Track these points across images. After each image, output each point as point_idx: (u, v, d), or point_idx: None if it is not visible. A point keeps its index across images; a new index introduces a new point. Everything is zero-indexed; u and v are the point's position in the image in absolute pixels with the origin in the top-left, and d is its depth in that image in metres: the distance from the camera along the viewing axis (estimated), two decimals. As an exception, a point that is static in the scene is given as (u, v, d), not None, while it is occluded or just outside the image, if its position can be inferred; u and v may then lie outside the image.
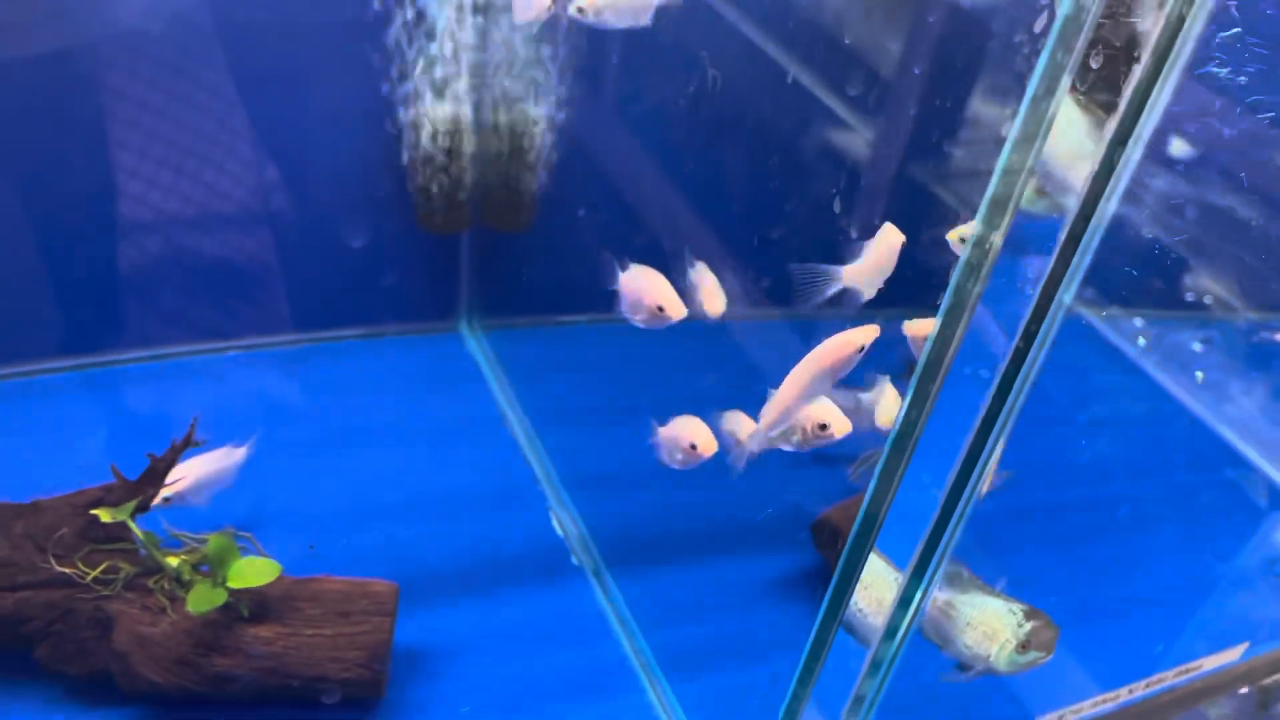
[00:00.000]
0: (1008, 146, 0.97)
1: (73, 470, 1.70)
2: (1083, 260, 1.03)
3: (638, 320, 1.34)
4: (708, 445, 1.32)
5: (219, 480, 1.53)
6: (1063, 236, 1.01)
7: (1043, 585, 1.79)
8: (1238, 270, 2.16)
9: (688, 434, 1.33)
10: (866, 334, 1.18)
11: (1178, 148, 1.82)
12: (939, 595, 1.42)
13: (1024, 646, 1.37)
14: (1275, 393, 2.36)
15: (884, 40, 1.59)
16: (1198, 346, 2.40)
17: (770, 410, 1.22)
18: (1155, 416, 2.41)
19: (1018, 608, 1.40)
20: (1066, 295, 1.06)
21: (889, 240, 1.21)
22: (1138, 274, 2.05)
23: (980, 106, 1.55)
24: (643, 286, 1.32)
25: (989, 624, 1.39)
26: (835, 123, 1.65)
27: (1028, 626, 1.38)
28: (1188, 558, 2.10)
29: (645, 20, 1.37)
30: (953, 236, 1.15)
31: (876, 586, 1.34)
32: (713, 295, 1.39)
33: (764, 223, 1.65)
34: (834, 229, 1.38)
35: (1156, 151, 1.84)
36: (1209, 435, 2.36)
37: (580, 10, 1.34)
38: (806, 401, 1.22)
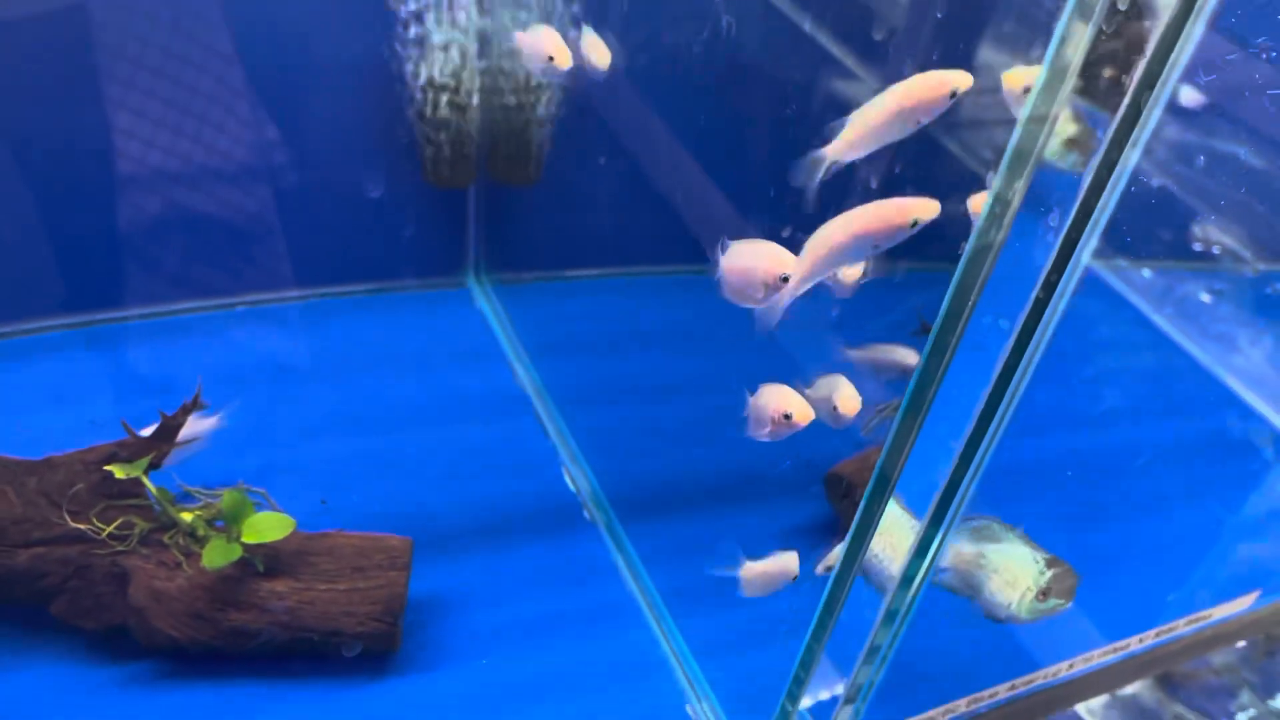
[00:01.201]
0: (1033, 96, 0.95)
1: (83, 427, 1.71)
2: (1105, 208, 1.01)
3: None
4: (803, 413, 1.26)
5: (188, 447, 1.52)
6: (1085, 185, 1.00)
7: (1056, 534, 1.80)
8: (1247, 220, 2.15)
9: (780, 403, 1.28)
10: (924, 208, 1.12)
11: (1187, 96, 1.80)
12: (969, 548, 1.43)
13: (1044, 594, 1.39)
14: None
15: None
16: (1206, 297, 2.39)
17: (805, 263, 1.16)
18: (1164, 367, 2.41)
19: (1041, 556, 1.42)
20: (1088, 247, 1.05)
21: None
22: (1147, 225, 2.04)
23: (993, 55, 1.53)
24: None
25: (1012, 571, 1.41)
26: (848, 74, 1.63)
27: (1049, 574, 1.39)
28: (1197, 508, 2.11)
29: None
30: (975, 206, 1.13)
31: (893, 532, 1.34)
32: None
33: (779, 173, 1.63)
34: (853, 179, 1.36)
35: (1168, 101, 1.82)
36: (1217, 386, 2.36)
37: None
38: (842, 262, 1.17)
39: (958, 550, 1.44)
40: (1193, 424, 2.27)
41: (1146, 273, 2.45)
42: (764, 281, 1.18)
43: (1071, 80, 0.93)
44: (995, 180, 0.99)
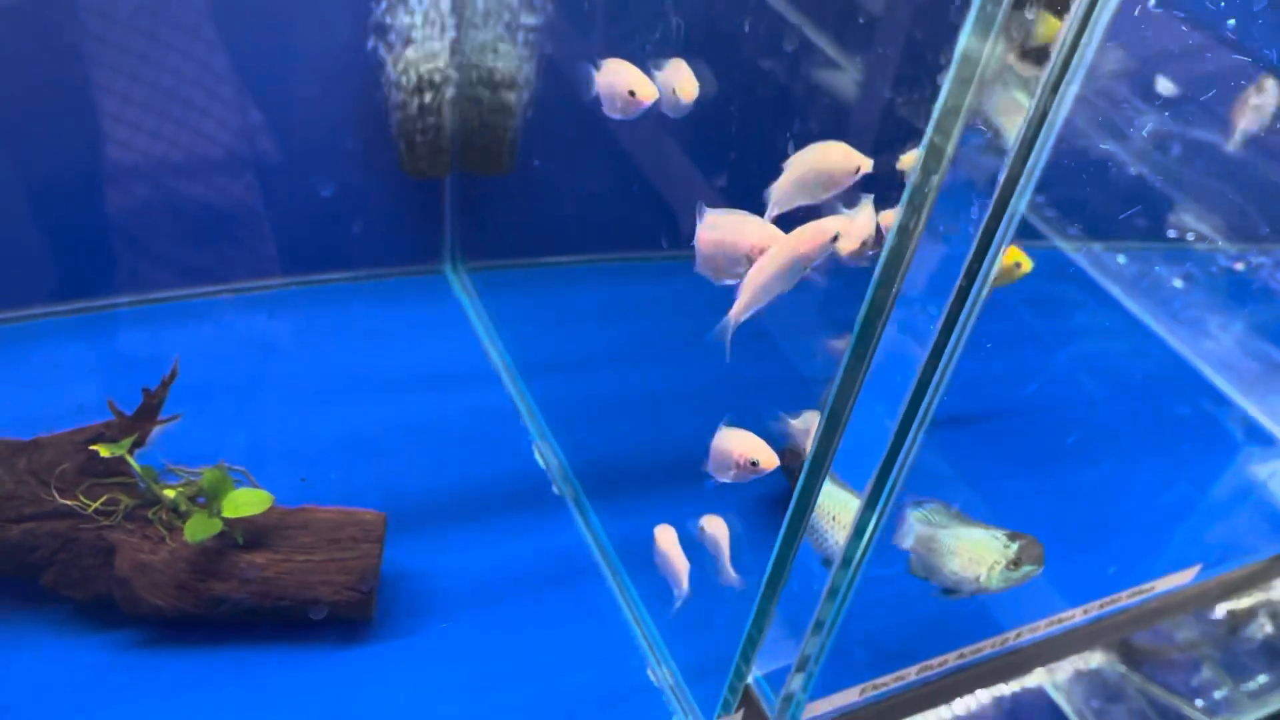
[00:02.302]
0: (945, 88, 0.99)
1: (70, 410, 1.75)
2: (1017, 209, 1.06)
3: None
4: (768, 460, 1.31)
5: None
6: (1002, 178, 1.05)
7: (1019, 510, 1.86)
8: (1218, 205, 2.19)
9: (746, 450, 1.33)
10: (838, 223, 1.16)
11: (1162, 86, 1.85)
12: (921, 532, 1.49)
13: (1015, 564, 1.46)
14: (1252, 327, 2.40)
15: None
16: (1178, 282, 2.44)
17: (742, 300, 1.20)
18: (1134, 350, 2.46)
19: (999, 533, 1.48)
20: (1008, 234, 1.10)
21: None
22: (1120, 209, 2.09)
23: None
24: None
25: (973, 550, 1.47)
26: (825, 58, 1.65)
27: (1014, 546, 1.46)
28: (1158, 485, 2.17)
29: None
30: (905, 163, 1.17)
31: (839, 511, 1.40)
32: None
33: (750, 159, 1.67)
34: None
35: (1139, 89, 1.87)
36: (1186, 369, 2.41)
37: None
38: (777, 288, 1.20)
39: (913, 537, 1.50)
40: (1155, 405, 2.33)
41: (1121, 259, 2.50)
42: (747, 255, 1.19)
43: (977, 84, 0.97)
44: (913, 174, 1.04)
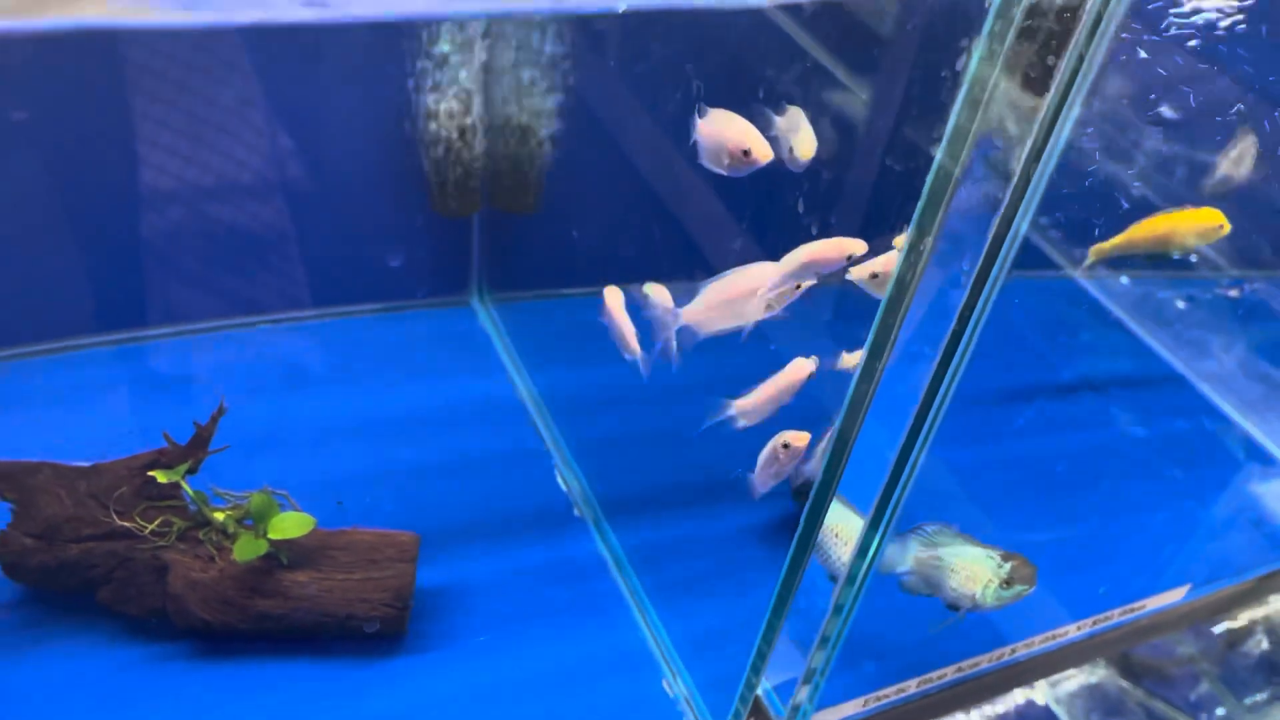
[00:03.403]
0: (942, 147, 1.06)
1: (123, 435, 1.84)
2: (1012, 248, 1.13)
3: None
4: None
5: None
6: (995, 223, 1.11)
7: (1022, 529, 1.92)
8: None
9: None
10: (858, 246, 1.22)
11: (1165, 110, 1.90)
12: (923, 552, 1.57)
13: (1007, 583, 1.53)
14: (1254, 348, 2.44)
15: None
16: (1180, 304, 2.48)
17: (696, 305, 1.26)
18: (1137, 370, 2.50)
19: (995, 552, 1.55)
20: (1001, 275, 1.17)
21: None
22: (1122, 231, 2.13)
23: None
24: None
25: (970, 569, 1.54)
26: (842, 88, 1.66)
27: (1007, 566, 1.53)
28: (1158, 503, 2.22)
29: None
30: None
31: (846, 532, 1.48)
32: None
33: (765, 194, 1.73)
34: (849, 212, 1.44)
35: (1145, 113, 1.92)
36: (1190, 390, 2.46)
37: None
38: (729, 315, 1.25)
39: (916, 555, 1.58)
40: (1158, 425, 2.38)
41: (1125, 280, 2.55)
42: (730, 153, 1.19)
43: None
44: (912, 222, 1.11)
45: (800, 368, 1.34)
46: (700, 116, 1.23)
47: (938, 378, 1.22)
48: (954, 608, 1.58)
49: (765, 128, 1.22)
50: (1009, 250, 1.13)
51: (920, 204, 1.07)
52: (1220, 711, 2.90)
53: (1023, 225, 1.12)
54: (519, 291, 2.31)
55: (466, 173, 2.05)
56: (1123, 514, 2.18)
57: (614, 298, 1.48)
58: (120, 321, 2.05)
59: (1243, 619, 2.91)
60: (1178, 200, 2.11)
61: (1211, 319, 2.53)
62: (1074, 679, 2.92)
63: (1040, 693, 2.94)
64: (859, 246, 1.24)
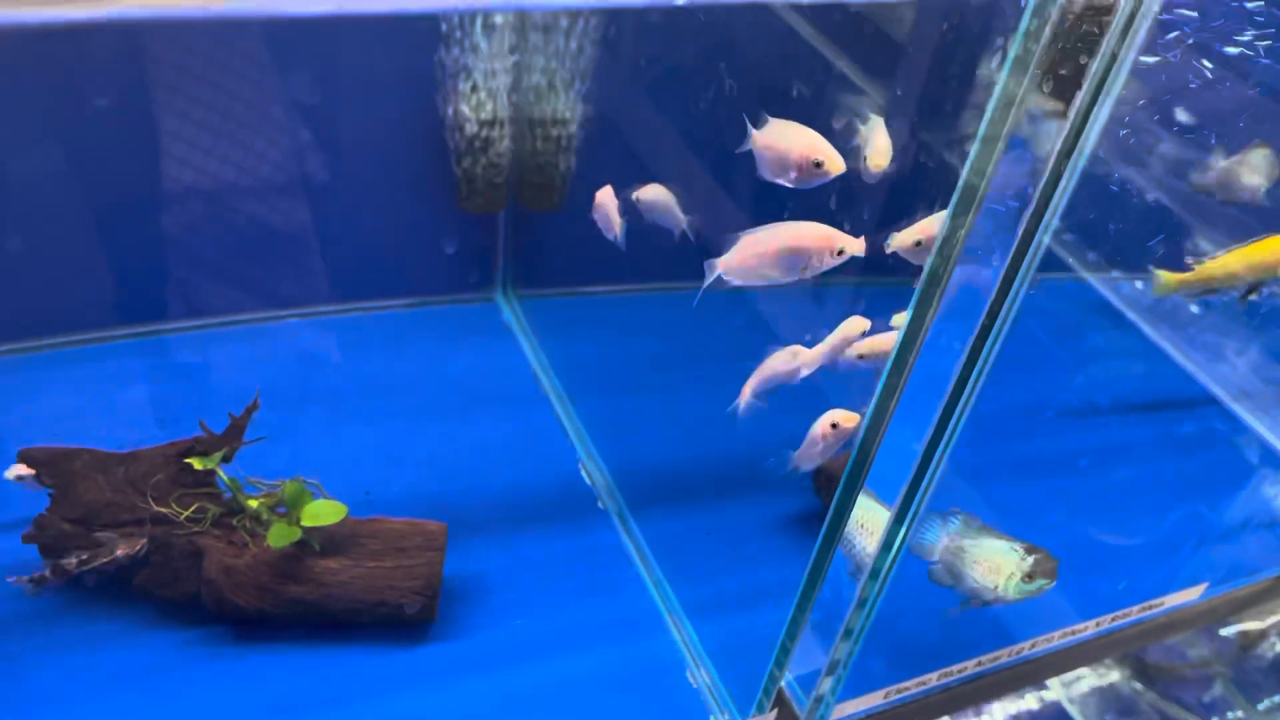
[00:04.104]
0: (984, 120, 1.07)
1: (149, 426, 1.87)
2: (1038, 251, 1.14)
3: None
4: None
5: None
6: (1029, 212, 1.13)
7: (1037, 525, 1.93)
8: (1235, 231, 2.23)
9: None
10: (853, 246, 1.21)
11: (1180, 114, 1.91)
12: (949, 541, 1.58)
13: (1030, 576, 1.53)
14: (1268, 352, 2.43)
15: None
16: (1195, 308, 2.46)
17: (733, 254, 1.22)
18: (1151, 373, 2.50)
19: (1018, 545, 1.55)
20: (1030, 271, 1.18)
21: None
22: (1137, 235, 2.13)
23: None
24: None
25: (993, 560, 1.54)
26: (859, 92, 1.66)
27: (1030, 560, 1.53)
28: (1170, 505, 2.23)
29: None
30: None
31: (872, 523, 1.49)
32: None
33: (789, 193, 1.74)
34: (860, 213, 1.46)
35: (1160, 117, 1.93)
36: (1203, 392, 2.46)
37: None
38: (770, 268, 1.20)
39: (944, 544, 1.58)
40: (1171, 428, 2.39)
41: (1139, 284, 2.54)
42: (798, 164, 1.16)
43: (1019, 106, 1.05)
44: (947, 213, 1.12)
45: (856, 324, 1.33)
46: (756, 127, 1.18)
47: (965, 373, 1.24)
48: (970, 602, 1.58)
49: (847, 136, 1.18)
50: (1037, 248, 1.14)
51: (955, 197, 1.09)
52: (1232, 715, 2.90)
53: (1053, 222, 1.13)
54: (543, 288, 2.33)
55: (494, 170, 2.07)
56: (1137, 514, 2.18)
57: (605, 193, 1.57)
58: (148, 314, 2.06)
59: (1258, 622, 2.91)
60: (1195, 205, 2.11)
61: (1225, 323, 2.52)
62: (1087, 680, 2.93)
63: (1054, 692, 2.95)
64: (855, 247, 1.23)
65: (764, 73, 1.69)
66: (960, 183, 1.07)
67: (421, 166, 2.09)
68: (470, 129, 2.00)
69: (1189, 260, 1.92)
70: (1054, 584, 1.55)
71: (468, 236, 2.24)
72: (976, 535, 1.56)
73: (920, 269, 1.16)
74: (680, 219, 1.45)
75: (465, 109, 1.99)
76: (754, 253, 1.21)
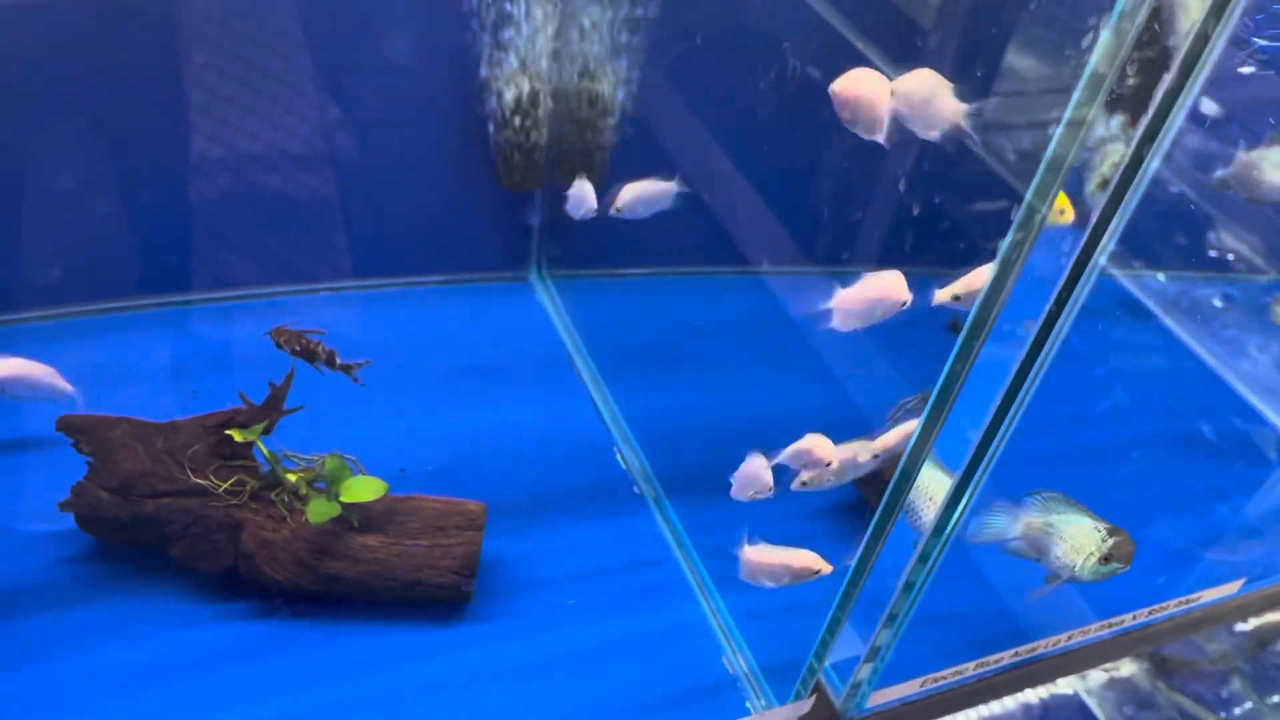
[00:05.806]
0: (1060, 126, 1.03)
1: (185, 396, 1.84)
2: (1118, 227, 1.11)
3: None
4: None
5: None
6: (1099, 207, 1.09)
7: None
8: (1257, 225, 2.19)
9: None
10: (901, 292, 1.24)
11: (1205, 106, 1.86)
12: (1038, 518, 1.53)
13: (1106, 559, 1.49)
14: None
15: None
16: (1217, 302, 2.45)
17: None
18: (1173, 368, 2.46)
19: (1102, 525, 1.51)
20: (1100, 262, 1.15)
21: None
22: (1161, 229, 2.09)
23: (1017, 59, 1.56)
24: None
25: (1077, 538, 1.50)
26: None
27: (1110, 541, 1.49)
28: (1192, 500, 2.19)
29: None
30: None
31: (934, 491, 1.44)
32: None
33: (823, 184, 1.70)
34: (901, 202, 1.41)
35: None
36: (1224, 388, 2.43)
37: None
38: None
39: (1029, 519, 1.53)
40: (1192, 423, 2.35)
41: (1161, 277, 2.51)
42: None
43: (1104, 92, 1.01)
44: (1028, 191, 1.08)
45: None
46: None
47: (1027, 362, 1.20)
48: (1053, 579, 1.54)
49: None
50: (1112, 235, 1.11)
51: (1034, 183, 1.04)
52: (1242, 709, 2.87)
53: (1131, 206, 1.09)
54: (578, 269, 2.29)
55: (532, 148, 2.03)
56: (1158, 510, 2.15)
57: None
58: (178, 284, 2.04)
59: (1275, 615, 2.87)
60: (1218, 198, 2.07)
61: (1248, 318, 2.49)
62: (1107, 672, 2.89)
63: (1071, 684, 2.92)
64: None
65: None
66: (1045, 158, 1.02)
67: (459, 143, 2.05)
68: (509, 105, 1.95)
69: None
70: (1126, 569, 1.51)
71: (503, 213, 2.20)
72: (1064, 510, 1.51)
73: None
74: (668, 193, 1.53)
75: (503, 85, 1.94)
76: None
